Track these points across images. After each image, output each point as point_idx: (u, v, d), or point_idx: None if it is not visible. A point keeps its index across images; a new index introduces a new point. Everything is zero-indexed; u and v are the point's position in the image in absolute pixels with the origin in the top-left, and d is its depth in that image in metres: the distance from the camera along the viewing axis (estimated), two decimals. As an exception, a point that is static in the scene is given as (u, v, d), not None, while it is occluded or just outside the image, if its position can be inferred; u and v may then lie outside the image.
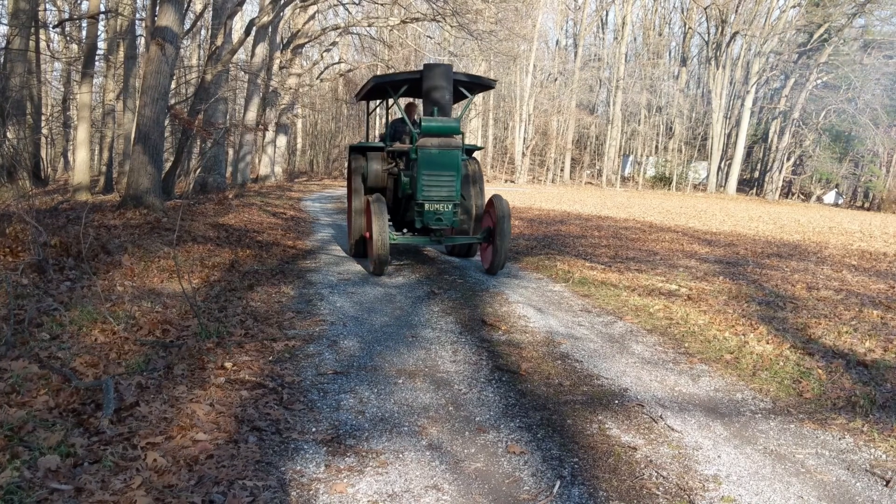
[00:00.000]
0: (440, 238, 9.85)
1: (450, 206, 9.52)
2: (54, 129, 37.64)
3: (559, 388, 5.31)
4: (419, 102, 12.32)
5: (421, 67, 10.34)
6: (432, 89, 9.67)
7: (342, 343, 6.25)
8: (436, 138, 9.35)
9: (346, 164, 52.11)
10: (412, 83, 10.36)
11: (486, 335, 6.77)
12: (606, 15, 62.36)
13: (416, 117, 11.15)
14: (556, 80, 55.69)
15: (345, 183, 40.40)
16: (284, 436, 4.17)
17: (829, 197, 54.10)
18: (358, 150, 11.35)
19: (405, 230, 10.81)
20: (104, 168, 27.09)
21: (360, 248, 10.93)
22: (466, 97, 10.78)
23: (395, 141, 11.26)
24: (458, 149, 9.41)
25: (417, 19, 28.24)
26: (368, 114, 12.91)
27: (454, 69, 10.25)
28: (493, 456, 4.09)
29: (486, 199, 10.73)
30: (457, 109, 15.14)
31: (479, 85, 10.64)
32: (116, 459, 3.58)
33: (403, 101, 11.23)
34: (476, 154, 14.47)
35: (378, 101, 13.07)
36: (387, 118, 12.03)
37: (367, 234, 9.94)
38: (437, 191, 9.44)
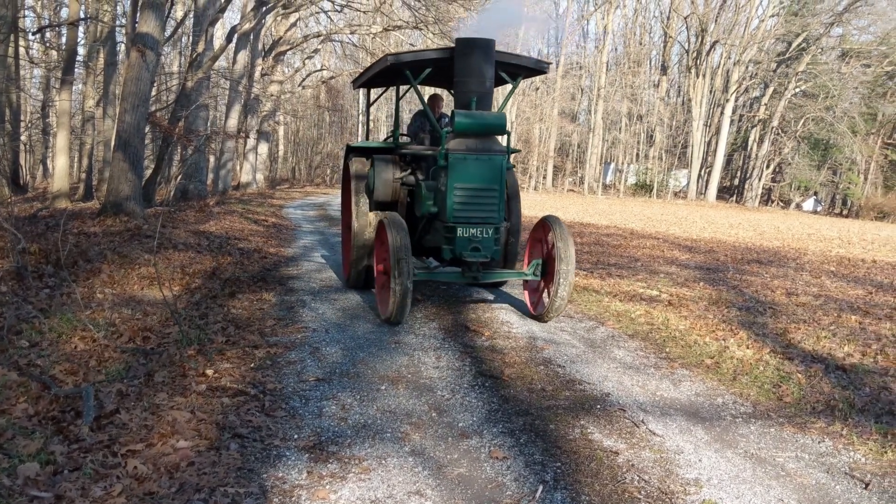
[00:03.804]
0: (477, 273, 7.46)
1: (490, 232, 7.27)
2: (33, 136, 37.33)
3: (542, 394, 5.32)
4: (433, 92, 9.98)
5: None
6: (469, 73, 7.34)
7: (324, 350, 6.24)
8: (472, 139, 7.21)
9: (329, 171, 52.24)
10: (439, 65, 7.85)
11: (469, 341, 6.77)
12: (588, 24, 62.76)
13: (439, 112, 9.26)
14: (537, 88, 55.89)
15: (327, 190, 40.04)
16: (266, 443, 4.16)
17: (808, 204, 54.57)
18: (360, 153, 9.01)
19: (427, 258, 8.51)
20: (84, 175, 26.91)
21: (361, 280, 8.87)
22: (508, 84, 8.42)
23: (413, 140, 9.08)
24: (501, 154, 7.32)
25: (399, 27, 28.25)
26: (369, 105, 10.47)
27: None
28: (475, 461, 4.10)
29: (517, 233, 9.03)
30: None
31: (527, 68, 8.22)
32: (97, 467, 3.55)
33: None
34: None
35: (382, 90, 10.58)
36: (396, 113, 8.93)
37: (380, 268, 7.67)
38: (474, 210, 7.24)
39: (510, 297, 9.05)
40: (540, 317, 7.74)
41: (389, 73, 8.33)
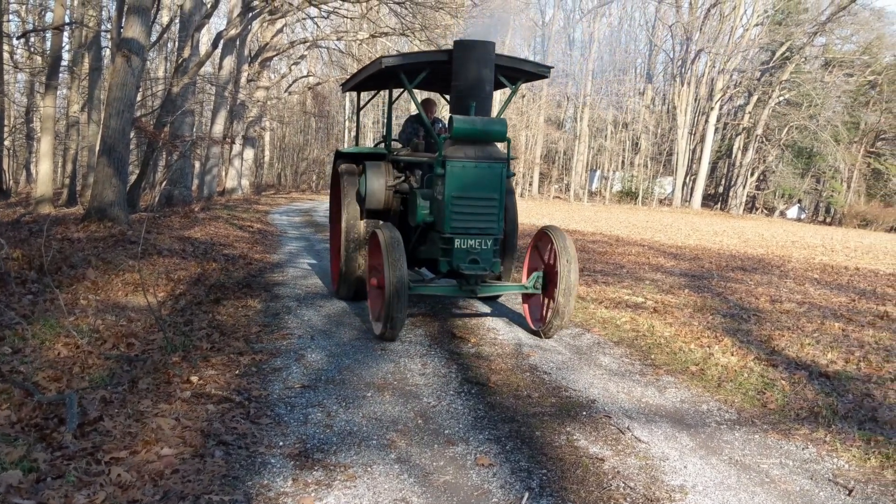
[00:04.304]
0: (475, 287, 7.07)
1: (489, 243, 6.98)
2: (17, 141, 37.13)
3: (528, 400, 5.33)
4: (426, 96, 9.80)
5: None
6: (467, 76, 7.02)
7: (310, 356, 6.21)
8: (471, 146, 6.86)
9: (315, 177, 52.07)
10: (436, 68, 7.59)
11: (455, 347, 6.77)
12: (573, 32, 63.06)
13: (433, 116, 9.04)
14: (524, 95, 56.04)
15: (313, 196, 39.91)
16: (251, 450, 4.13)
17: (792, 212, 54.99)
18: (349, 158, 8.71)
19: (420, 268, 8.25)
20: (68, 180, 26.80)
21: (351, 291, 8.46)
22: (507, 88, 8.08)
23: (406, 146, 8.78)
24: (501, 162, 6.95)
25: (386, 34, 28.28)
26: (359, 109, 10.02)
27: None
28: (461, 468, 4.09)
29: (514, 228, 8.80)
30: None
31: (528, 72, 7.93)
32: (80, 475, 3.52)
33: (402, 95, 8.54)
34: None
35: (373, 94, 10.23)
36: (389, 118, 8.78)
37: (373, 281, 7.26)
38: (473, 220, 6.90)
39: (496, 304, 9.05)
40: (539, 332, 7.34)
41: (382, 77, 8.02)
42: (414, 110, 8.05)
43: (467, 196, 6.85)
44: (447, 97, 9.48)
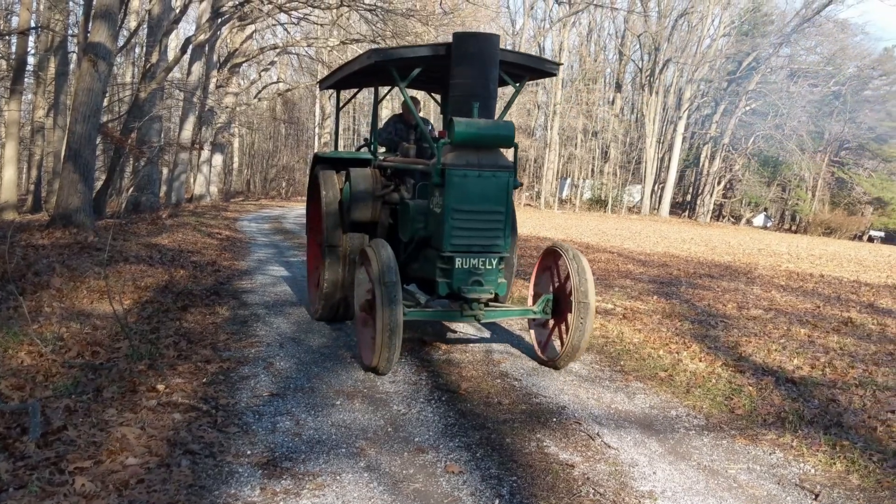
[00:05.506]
0: (477, 312, 6.14)
1: (494, 262, 6.09)
2: (-20, 147, 36.45)
3: (498, 407, 5.33)
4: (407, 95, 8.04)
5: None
6: (469, 74, 6.10)
7: (278, 364, 6.16)
8: (474, 153, 5.93)
9: (285, 184, 51.70)
10: (432, 63, 6.78)
11: (425, 355, 6.75)
12: (544, 41, 63.45)
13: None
14: (494, 103, 56.21)
15: (283, 203, 39.48)
16: (218, 459, 4.08)
17: (759, 220, 55.69)
18: (331, 164, 7.90)
19: (409, 283, 7.31)
20: (32, 187, 26.40)
21: (333, 312, 7.72)
22: (510, 87, 7.10)
23: (393, 150, 7.98)
24: (508, 171, 6.02)
25: (357, 41, 28.22)
26: (339, 109, 8.99)
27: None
28: (431, 476, 4.08)
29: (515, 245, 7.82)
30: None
31: (533, 69, 7.04)
32: (43, 485, 3.46)
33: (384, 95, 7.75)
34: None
35: (354, 92, 9.40)
36: (374, 119, 7.89)
37: (364, 312, 6.32)
38: (476, 237, 6.01)
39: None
40: (549, 362, 6.60)
41: (368, 73, 7.15)
42: (389, 112, 7.50)
43: (470, 209, 5.96)
44: (435, 97, 9.07)
